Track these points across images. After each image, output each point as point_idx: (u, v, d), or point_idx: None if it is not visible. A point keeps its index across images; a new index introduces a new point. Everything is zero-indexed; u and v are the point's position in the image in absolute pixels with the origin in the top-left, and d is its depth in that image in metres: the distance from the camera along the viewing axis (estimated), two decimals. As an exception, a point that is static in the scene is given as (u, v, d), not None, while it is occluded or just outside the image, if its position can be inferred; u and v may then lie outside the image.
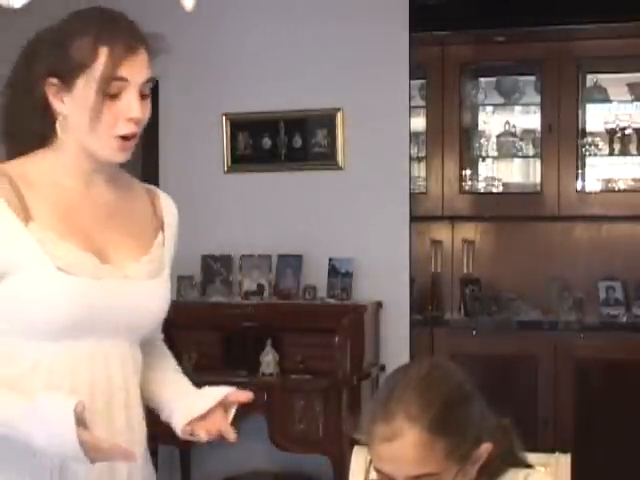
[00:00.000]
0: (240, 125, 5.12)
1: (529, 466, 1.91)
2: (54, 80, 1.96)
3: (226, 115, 5.10)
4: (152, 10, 5.00)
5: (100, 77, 1.92)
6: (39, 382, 1.95)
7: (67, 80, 1.95)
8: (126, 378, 2.05)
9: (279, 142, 5.08)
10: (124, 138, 1.98)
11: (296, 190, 5.05)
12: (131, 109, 1.95)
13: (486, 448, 1.78)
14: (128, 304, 2.03)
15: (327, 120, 4.99)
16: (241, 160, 5.14)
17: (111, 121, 1.95)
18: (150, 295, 2.08)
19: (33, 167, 2.01)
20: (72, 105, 1.97)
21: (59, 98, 1.97)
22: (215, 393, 2.13)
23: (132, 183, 2.18)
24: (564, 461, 2.14)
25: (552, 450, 2.17)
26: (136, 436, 2.07)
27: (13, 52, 2.11)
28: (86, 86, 1.94)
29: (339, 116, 4.96)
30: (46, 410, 1.86)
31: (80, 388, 1.97)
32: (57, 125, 2.00)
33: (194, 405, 2.12)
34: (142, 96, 1.98)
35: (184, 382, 2.23)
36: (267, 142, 5.10)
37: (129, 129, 1.97)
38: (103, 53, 1.93)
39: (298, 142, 5.05)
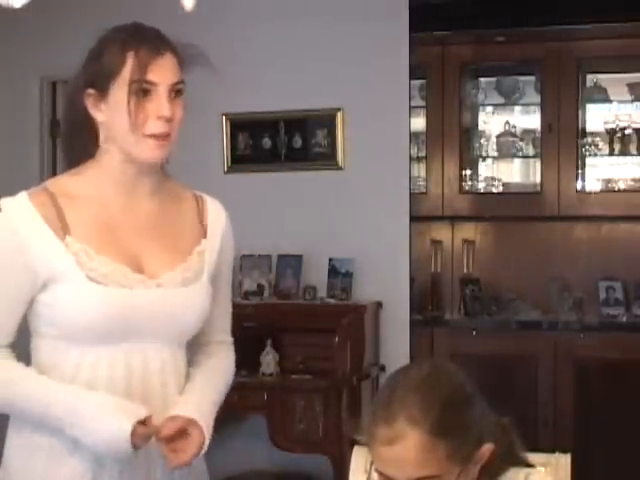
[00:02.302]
0: (240, 125, 5.12)
1: (530, 465, 1.91)
2: (91, 91, 2.08)
3: (226, 115, 5.10)
4: (152, 10, 5.00)
5: (129, 80, 2.03)
6: (80, 383, 2.06)
7: (102, 88, 2.06)
8: (164, 381, 2.13)
9: (279, 142, 5.08)
10: (156, 137, 2.07)
11: (296, 190, 5.05)
12: (160, 108, 2.05)
13: (487, 449, 1.78)
14: (160, 311, 2.10)
15: (327, 120, 4.99)
16: (241, 160, 5.14)
17: (143, 120, 2.05)
18: (183, 302, 2.14)
19: (76, 182, 2.13)
20: (108, 111, 2.08)
21: (97, 107, 2.08)
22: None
23: (179, 191, 2.26)
24: (564, 461, 2.14)
25: (552, 450, 2.17)
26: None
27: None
28: (118, 91, 2.05)
29: (339, 116, 4.96)
30: (104, 424, 2.00)
31: (117, 390, 2.07)
32: (100, 135, 2.11)
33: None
34: (173, 95, 2.08)
35: (187, 394, 2.19)
36: (267, 142, 5.10)
37: (159, 128, 2.06)
38: (130, 57, 2.04)
39: (298, 142, 5.05)
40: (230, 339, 2.35)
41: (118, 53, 2.04)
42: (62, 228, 2.05)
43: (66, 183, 2.13)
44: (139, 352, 2.09)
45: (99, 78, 2.06)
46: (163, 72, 2.06)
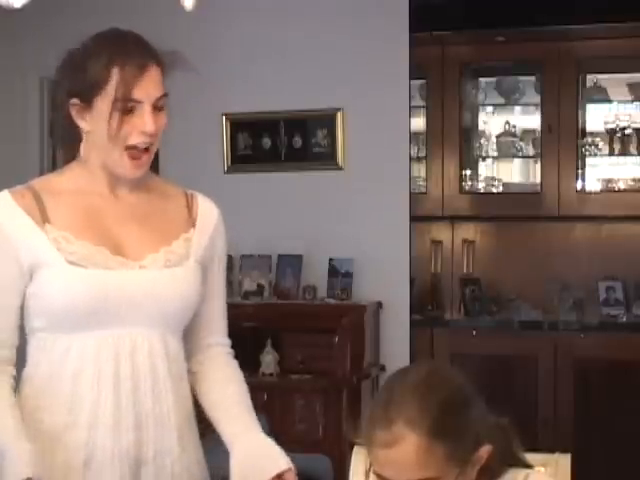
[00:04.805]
0: (240, 125, 5.12)
1: (529, 466, 1.91)
2: (75, 101, 2.10)
3: (226, 115, 5.10)
4: (152, 10, 5.01)
5: (114, 98, 2.06)
6: (69, 368, 2.09)
7: (86, 100, 2.09)
8: (154, 365, 2.13)
9: (279, 142, 5.08)
10: (136, 151, 2.10)
11: (296, 190, 5.05)
12: (144, 123, 2.09)
13: (486, 450, 1.78)
14: (141, 292, 2.11)
15: (327, 120, 4.99)
16: (241, 160, 5.14)
17: (126, 133, 2.08)
18: (165, 283, 2.14)
19: (59, 179, 2.18)
20: (92, 122, 2.11)
21: (82, 117, 2.11)
22: (271, 466, 2.15)
23: (166, 186, 2.28)
24: (564, 461, 2.14)
25: (552, 450, 2.17)
26: (167, 421, 2.15)
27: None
28: (102, 105, 2.08)
29: (339, 116, 4.96)
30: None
31: (105, 373, 2.09)
32: (83, 140, 2.15)
33: (249, 470, 2.16)
34: (156, 108, 2.11)
35: (243, 419, 2.23)
36: (267, 142, 5.10)
37: (141, 139, 2.10)
38: (115, 74, 2.06)
39: (298, 142, 5.05)
40: (228, 341, 2.35)
41: (103, 68, 2.06)
42: (42, 218, 2.09)
43: (49, 180, 2.20)
44: (126, 336, 2.10)
45: (84, 91, 2.09)
46: (148, 89, 2.08)
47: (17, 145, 5.35)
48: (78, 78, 2.09)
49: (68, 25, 5.18)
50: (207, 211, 2.27)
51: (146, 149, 2.12)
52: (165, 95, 2.12)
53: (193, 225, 2.23)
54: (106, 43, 2.11)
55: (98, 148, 2.12)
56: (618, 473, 5.13)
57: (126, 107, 2.07)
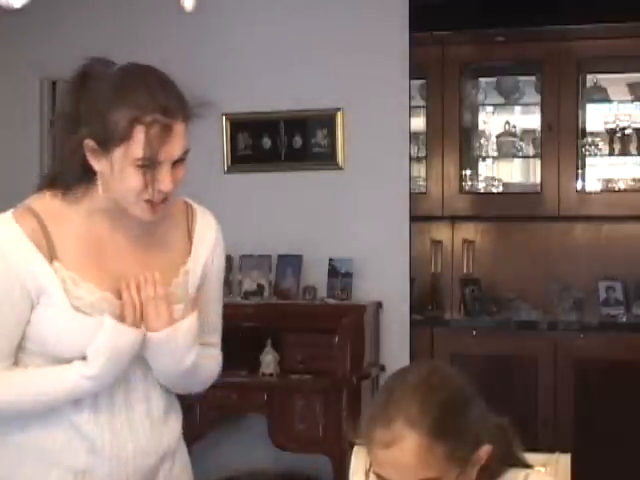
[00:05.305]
0: (240, 125, 5.12)
1: (529, 466, 1.91)
2: (92, 143, 2.01)
3: (226, 115, 5.09)
4: (153, 11, 5.01)
5: (138, 158, 1.98)
6: (62, 392, 2.08)
7: (104, 147, 2.00)
8: (147, 389, 2.16)
9: (279, 142, 5.07)
10: (152, 203, 2.04)
11: (296, 190, 5.05)
12: (162, 182, 2.02)
13: (486, 450, 1.78)
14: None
15: (327, 120, 4.99)
16: (241, 160, 5.14)
17: (141, 187, 2.01)
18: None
19: (64, 204, 2.09)
20: (107, 168, 2.02)
21: (96, 158, 2.03)
22: None
23: (172, 204, 2.19)
24: (564, 461, 2.14)
25: (552, 450, 2.17)
26: (165, 441, 2.19)
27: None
28: (121, 157, 2.00)
29: (339, 116, 4.96)
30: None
31: (100, 402, 2.10)
32: (98, 176, 2.06)
33: None
34: (176, 161, 2.03)
35: None
36: (267, 142, 5.10)
37: (157, 197, 2.03)
38: (139, 132, 1.97)
39: (298, 142, 5.05)
40: (218, 351, 2.32)
41: (126, 123, 1.97)
42: (49, 252, 2.04)
43: (55, 204, 2.10)
44: None
45: (102, 137, 1.99)
46: (172, 150, 2.01)
47: (17, 145, 5.35)
48: (96, 122, 2.00)
49: (68, 26, 5.19)
50: (204, 232, 2.25)
51: (163, 199, 2.06)
52: (187, 151, 2.06)
53: (189, 252, 2.21)
54: (130, 90, 2.00)
55: (111, 190, 2.05)
56: (618, 473, 5.12)
57: (147, 166, 2.00)
